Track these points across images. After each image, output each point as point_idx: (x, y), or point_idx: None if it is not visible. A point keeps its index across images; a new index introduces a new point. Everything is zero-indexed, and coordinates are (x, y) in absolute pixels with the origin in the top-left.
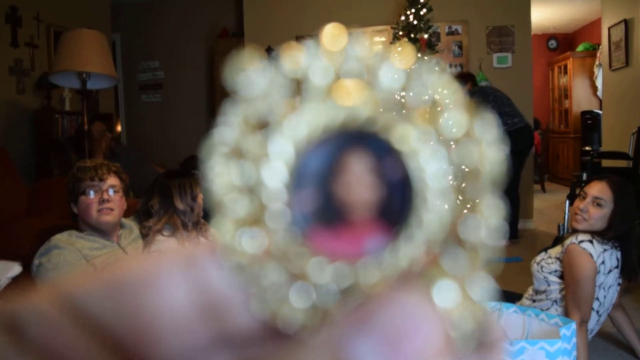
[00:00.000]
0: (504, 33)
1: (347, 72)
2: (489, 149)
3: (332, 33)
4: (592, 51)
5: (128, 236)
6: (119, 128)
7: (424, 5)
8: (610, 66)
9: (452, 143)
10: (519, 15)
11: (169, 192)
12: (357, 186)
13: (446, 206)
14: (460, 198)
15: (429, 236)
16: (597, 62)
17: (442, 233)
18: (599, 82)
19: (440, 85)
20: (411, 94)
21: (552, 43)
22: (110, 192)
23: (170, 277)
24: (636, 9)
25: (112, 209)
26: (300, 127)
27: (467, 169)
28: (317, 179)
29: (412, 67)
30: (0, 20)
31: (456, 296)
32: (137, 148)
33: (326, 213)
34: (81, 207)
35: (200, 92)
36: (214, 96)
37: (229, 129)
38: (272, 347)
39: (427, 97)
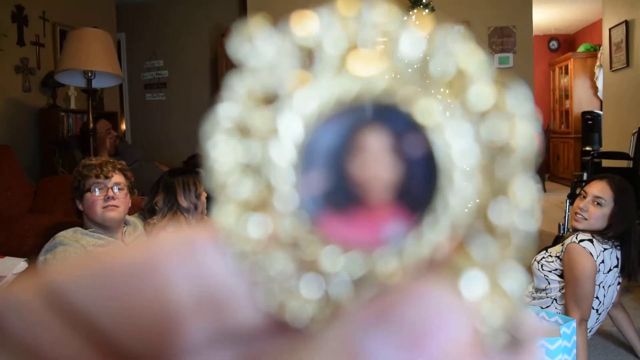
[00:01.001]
0: (506, 34)
1: (363, 39)
2: (522, 124)
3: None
4: (593, 52)
5: (132, 233)
6: (123, 126)
7: (426, 6)
8: (610, 67)
9: (478, 117)
10: (520, 16)
11: (172, 189)
12: (375, 165)
13: (474, 187)
14: (489, 178)
15: (455, 221)
16: (597, 63)
17: (469, 217)
18: (599, 83)
19: (466, 54)
20: (434, 63)
21: (553, 44)
22: (115, 189)
23: (167, 265)
24: (637, 10)
25: (117, 206)
26: (311, 100)
27: (497, 146)
28: (329, 157)
29: (435, 34)
30: (6, 20)
31: (485, 287)
32: (141, 146)
33: (339, 196)
34: (86, 204)
35: (204, 91)
36: (218, 95)
37: (233, 103)
38: (279, 343)
39: (451, 67)
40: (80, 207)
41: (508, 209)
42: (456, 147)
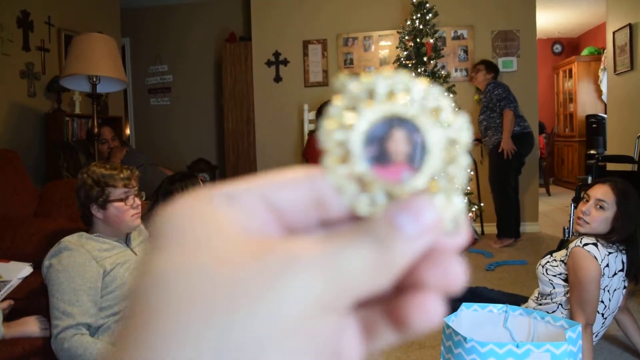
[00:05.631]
0: (509, 37)
1: (396, 89)
2: (464, 131)
3: (388, 72)
4: (597, 55)
5: (137, 237)
6: (127, 131)
7: (429, 10)
8: (615, 70)
9: (445, 126)
10: (524, 19)
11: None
12: (398, 145)
13: (442, 157)
14: (449, 153)
15: (433, 171)
16: (601, 66)
17: (440, 169)
18: (603, 86)
19: (442, 99)
20: (428, 101)
21: (557, 47)
22: (136, 197)
23: (300, 183)
24: None
25: (140, 213)
26: (371, 113)
27: (452, 139)
28: (378, 140)
29: (429, 88)
30: (12, 25)
31: (445, 200)
32: (145, 151)
33: (381, 158)
34: (113, 213)
35: (208, 96)
36: (222, 100)
37: (337, 110)
38: (353, 224)
39: (434, 104)
40: (99, 215)
41: (457, 166)
42: (435, 138)
